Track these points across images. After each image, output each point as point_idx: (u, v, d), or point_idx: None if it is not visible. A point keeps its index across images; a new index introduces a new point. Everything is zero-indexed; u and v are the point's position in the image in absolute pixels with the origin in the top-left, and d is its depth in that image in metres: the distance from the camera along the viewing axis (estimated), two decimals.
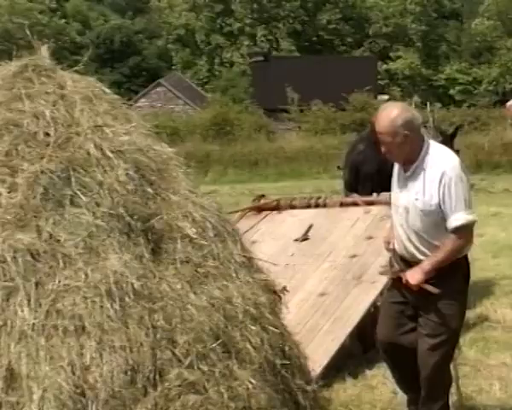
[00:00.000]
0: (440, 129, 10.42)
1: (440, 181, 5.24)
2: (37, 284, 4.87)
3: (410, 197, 5.39)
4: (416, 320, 5.51)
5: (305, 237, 8.21)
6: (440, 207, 5.23)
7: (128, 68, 53.59)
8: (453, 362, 6.21)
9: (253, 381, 5.15)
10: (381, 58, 52.12)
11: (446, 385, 5.62)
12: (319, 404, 5.74)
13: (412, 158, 5.38)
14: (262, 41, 55.51)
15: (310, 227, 8.29)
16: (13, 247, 4.91)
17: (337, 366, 6.55)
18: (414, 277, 5.29)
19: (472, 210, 5.28)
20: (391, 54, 54.86)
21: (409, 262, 5.45)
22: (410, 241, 5.39)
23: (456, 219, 5.21)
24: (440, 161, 5.33)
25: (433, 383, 5.48)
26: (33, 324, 4.74)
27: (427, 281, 5.27)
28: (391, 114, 5.38)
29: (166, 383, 4.83)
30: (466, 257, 5.51)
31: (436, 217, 5.27)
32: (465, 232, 5.29)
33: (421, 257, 5.36)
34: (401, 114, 5.35)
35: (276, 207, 8.91)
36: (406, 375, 5.67)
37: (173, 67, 55.80)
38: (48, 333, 4.75)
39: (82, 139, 5.37)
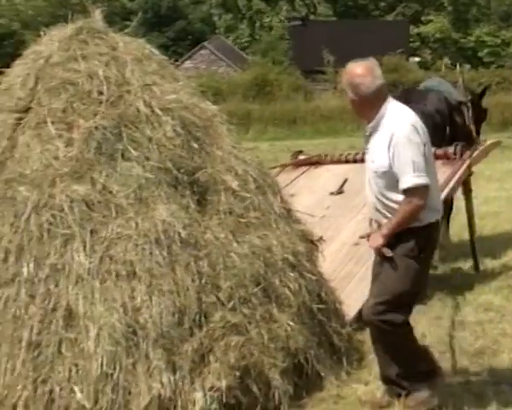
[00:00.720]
0: (469, 89, 10.28)
1: (390, 143, 4.76)
2: (91, 232, 4.93)
3: (368, 159, 5.01)
4: None
5: (340, 191, 8.19)
6: (392, 169, 4.76)
7: (174, 32, 53.39)
8: (450, 323, 6.20)
9: (291, 324, 5.18)
10: (412, 22, 51.44)
11: (400, 349, 4.93)
12: (353, 345, 5.75)
13: (369, 118, 4.93)
14: (300, 6, 55.02)
15: (345, 181, 8.26)
16: (70, 197, 4.97)
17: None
18: (374, 240, 4.90)
19: (422, 173, 4.71)
20: (422, 18, 54.13)
21: (380, 224, 4.98)
22: (374, 203, 4.96)
23: (404, 181, 4.72)
24: (392, 122, 4.82)
25: (382, 346, 4.97)
26: (89, 268, 4.81)
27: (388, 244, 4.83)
28: (346, 73, 4.94)
29: (211, 325, 4.88)
30: (428, 226, 4.87)
31: (390, 179, 4.79)
32: (414, 195, 4.73)
33: (384, 220, 4.91)
34: (352, 77, 4.88)
35: (314, 163, 8.91)
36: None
37: (216, 31, 55.53)
38: (102, 277, 4.82)
39: (132, 97, 5.38)
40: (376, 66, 4.94)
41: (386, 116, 4.86)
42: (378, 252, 4.91)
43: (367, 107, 4.91)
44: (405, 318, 4.91)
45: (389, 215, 4.87)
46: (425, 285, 5.19)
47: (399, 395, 4.91)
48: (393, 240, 4.82)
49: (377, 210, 4.95)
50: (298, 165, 8.94)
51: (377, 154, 4.86)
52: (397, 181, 4.76)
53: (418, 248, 4.84)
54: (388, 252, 4.82)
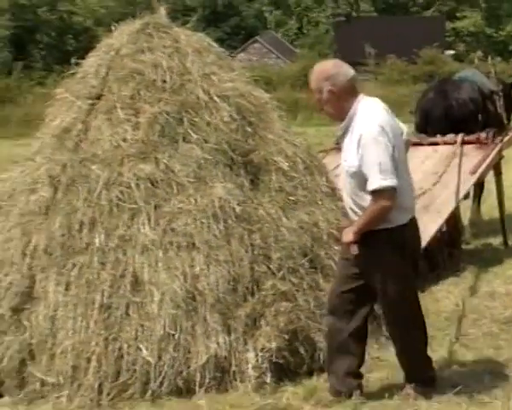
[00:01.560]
0: (501, 79, 10.10)
1: (358, 143, 4.31)
2: (155, 207, 4.95)
3: (342, 158, 4.56)
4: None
5: None
6: (361, 169, 4.32)
7: (229, 27, 53.36)
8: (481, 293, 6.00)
9: None
10: (448, 17, 50.75)
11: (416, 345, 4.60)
12: None
13: (342, 114, 4.45)
14: (344, 3, 54.57)
15: None
16: (136, 175, 5.00)
17: None
18: (345, 235, 4.47)
19: (389, 175, 4.24)
20: (457, 14, 53.36)
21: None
22: (348, 202, 4.55)
23: (371, 182, 4.27)
24: (361, 122, 4.36)
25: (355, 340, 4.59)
26: (153, 239, 4.84)
27: (357, 242, 4.38)
28: (316, 72, 4.51)
29: (262, 292, 4.88)
30: (399, 227, 4.40)
31: (361, 179, 4.34)
32: (381, 197, 4.27)
33: (355, 218, 4.48)
34: (326, 71, 4.47)
35: None
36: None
37: (268, 26, 55.37)
38: (165, 247, 4.84)
39: (193, 85, 5.39)
40: (343, 63, 4.57)
41: (357, 115, 4.40)
42: (347, 248, 4.47)
43: (343, 98, 4.42)
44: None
45: (361, 214, 4.43)
46: (411, 285, 4.57)
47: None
48: (367, 240, 4.36)
49: (351, 209, 4.53)
50: None
51: (348, 153, 4.41)
52: (366, 181, 4.32)
53: (391, 250, 4.37)
54: (355, 250, 4.39)
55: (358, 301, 4.54)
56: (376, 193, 4.29)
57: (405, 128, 4.70)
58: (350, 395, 4.47)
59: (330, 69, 4.48)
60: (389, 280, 4.45)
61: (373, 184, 4.27)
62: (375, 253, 4.39)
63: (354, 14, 52.53)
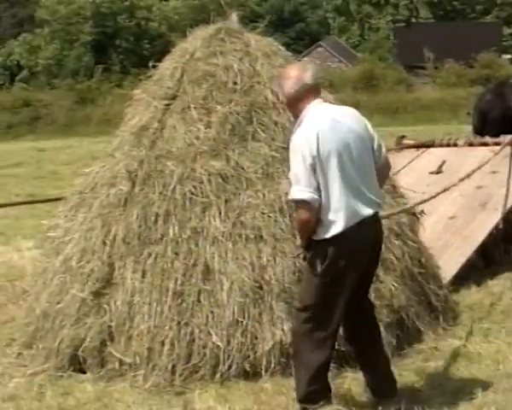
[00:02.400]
0: None
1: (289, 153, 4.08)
2: (226, 201, 4.96)
3: None
4: None
5: (439, 171, 7.98)
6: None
7: (294, 33, 53.24)
8: None
9: (395, 284, 5.10)
10: (506, 23, 49.65)
11: (304, 361, 4.09)
12: (448, 305, 5.62)
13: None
14: (403, 10, 53.87)
15: (443, 162, 8.05)
16: (208, 171, 5.02)
17: (464, 275, 6.38)
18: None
19: (304, 188, 3.88)
20: None
21: None
22: None
23: (289, 192, 4.06)
24: (296, 130, 4.08)
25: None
26: (223, 232, 4.85)
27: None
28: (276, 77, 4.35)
29: None
30: (325, 241, 3.95)
31: None
32: (297, 208, 4.00)
33: None
34: (277, 79, 4.27)
35: (416, 146, 8.72)
36: None
37: (331, 32, 55.08)
38: (234, 239, 4.85)
39: (262, 87, 5.37)
40: (305, 69, 4.16)
41: (303, 122, 4.07)
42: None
43: (293, 105, 4.12)
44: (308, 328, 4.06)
45: None
46: (339, 303, 4.04)
47: None
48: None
49: None
50: (402, 147, 8.77)
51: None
52: None
53: (316, 263, 3.99)
54: (300, 256, 4.24)
55: None
56: (293, 203, 4.11)
57: (376, 139, 4.13)
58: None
59: (282, 77, 4.19)
60: (305, 291, 4.13)
61: (290, 194, 4.06)
62: (307, 262, 4.11)
63: (413, 20, 51.79)
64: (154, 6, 48.63)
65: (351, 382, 4.59)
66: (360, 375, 4.58)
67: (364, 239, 4.04)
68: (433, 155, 8.37)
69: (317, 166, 3.91)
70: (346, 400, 4.34)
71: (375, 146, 4.14)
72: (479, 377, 4.61)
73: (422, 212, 6.00)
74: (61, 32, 46.03)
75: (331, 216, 3.95)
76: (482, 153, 8.05)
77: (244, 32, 5.71)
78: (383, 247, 5.12)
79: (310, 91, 4.09)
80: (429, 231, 6.27)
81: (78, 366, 4.82)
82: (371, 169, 4.10)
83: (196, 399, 4.41)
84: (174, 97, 5.35)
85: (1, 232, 9.85)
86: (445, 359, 4.88)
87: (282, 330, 4.63)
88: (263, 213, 4.92)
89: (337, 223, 3.95)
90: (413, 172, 8.00)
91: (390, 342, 4.88)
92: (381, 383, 4.29)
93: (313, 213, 3.93)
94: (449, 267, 6.14)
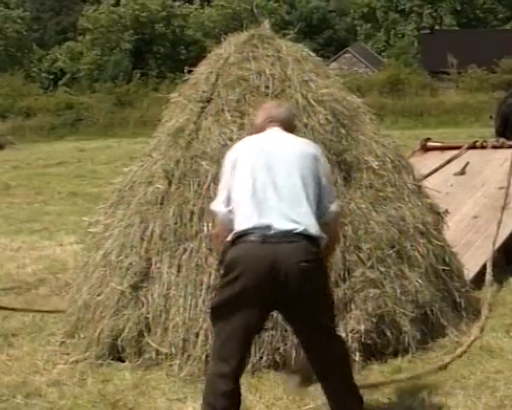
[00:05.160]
0: None
1: None
2: None
3: None
4: None
5: (462, 172, 7.91)
6: None
7: (323, 39, 53.05)
8: None
9: (419, 281, 5.05)
10: None
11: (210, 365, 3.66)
12: (470, 302, 5.55)
13: None
14: (427, 17, 53.42)
15: (466, 164, 7.97)
16: None
17: (485, 273, 6.29)
18: None
19: (219, 202, 3.65)
20: None
21: None
22: None
23: None
24: None
25: None
26: None
27: None
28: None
29: (353, 279, 4.82)
30: (233, 245, 3.51)
31: None
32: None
33: None
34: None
35: (441, 148, 8.65)
36: None
37: (358, 38, 54.85)
38: None
39: (292, 91, 5.35)
40: (279, 105, 4.07)
41: None
42: None
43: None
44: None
45: None
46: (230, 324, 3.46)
47: None
48: None
49: None
50: (426, 149, 8.69)
51: None
52: None
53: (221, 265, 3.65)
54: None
55: None
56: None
57: (326, 186, 3.66)
58: None
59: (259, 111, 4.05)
60: None
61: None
62: None
63: (437, 27, 51.36)
64: (190, 14, 48.85)
65: (377, 374, 4.56)
66: (386, 367, 4.57)
67: (264, 253, 3.39)
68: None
69: (230, 175, 3.64)
70: (372, 390, 4.31)
71: (324, 191, 3.63)
72: (500, 372, 4.54)
73: (446, 211, 5.95)
74: (102, 40, 46.46)
75: (236, 225, 3.53)
76: (504, 155, 7.97)
77: (276, 39, 5.69)
78: (408, 245, 5.14)
79: (274, 122, 3.84)
80: (453, 230, 6.21)
81: (117, 354, 4.84)
82: (303, 197, 3.52)
83: None
84: (209, 100, 5.35)
85: (45, 228, 9.95)
86: (467, 353, 4.82)
87: None
88: None
89: (236, 226, 3.52)
90: (437, 173, 7.93)
91: (414, 336, 4.85)
92: None
93: (222, 226, 3.66)
94: (471, 266, 6.07)
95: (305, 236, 3.42)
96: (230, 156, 3.73)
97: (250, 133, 3.93)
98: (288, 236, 3.40)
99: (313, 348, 3.57)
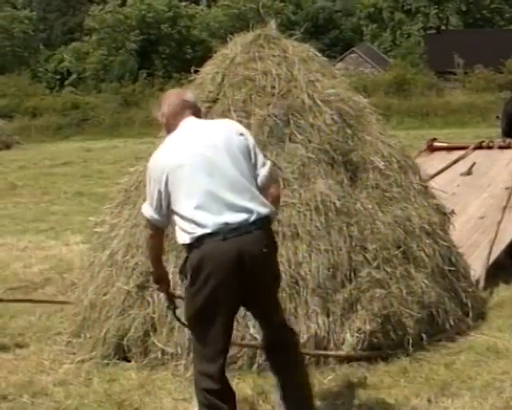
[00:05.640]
0: None
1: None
2: None
3: None
4: None
5: (469, 172, 7.89)
6: None
7: (329, 39, 52.98)
8: None
9: (426, 282, 5.05)
10: None
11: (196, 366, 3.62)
12: (477, 303, 5.54)
13: None
14: (434, 18, 53.32)
15: (473, 164, 7.95)
16: None
17: (492, 273, 6.28)
18: None
19: (148, 206, 3.64)
20: None
21: None
22: None
23: None
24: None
25: None
26: None
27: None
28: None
29: (359, 279, 4.82)
30: (193, 247, 3.46)
31: None
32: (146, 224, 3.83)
33: None
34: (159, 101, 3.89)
35: (447, 148, 8.62)
36: None
37: (364, 38, 54.79)
38: None
39: (299, 91, 5.35)
40: (185, 90, 4.04)
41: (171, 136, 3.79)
42: None
43: (168, 122, 3.81)
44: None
45: None
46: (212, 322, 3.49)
47: None
48: None
49: None
50: (432, 149, 8.67)
51: None
52: None
53: (185, 272, 3.56)
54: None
55: None
56: None
57: (259, 155, 3.67)
58: None
59: (163, 99, 3.88)
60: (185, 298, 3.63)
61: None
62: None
63: (443, 27, 51.27)
64: (196, 15, 48.88)
65: (382, 374, 4.55)
66: (392, 368, 4.56)
67: (228, 248, 3.42)
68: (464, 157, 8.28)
69: (163, 184, 3.56)
70: (378, 390, 4.31)
71: (256, 160, 3.65)
72: (507, 373, 4.53)
73: (453, 211, 5.94)
74: (108, 40, 46.53)
75: (187, 226, 3.49)
76: (511, 155, 7.96)
77: (282, 39, 5.69)
78: (415, 245, 5.13)
79: (187, 108, 3.78)
80: (459, 231, 6.20)
81: (122, 354, 4.85)
82: (243, 179, 3.54)
83: (234, 388, 4.40)
84: (215, 100, 5.35)
85: (51, 227, 9.97)
86: (474, 354, 4.81)
87: (317, 323, 4.61)
88: (299, 212, 4.90)
89: (194, 230, 3.46)
90: (444, 173, 7.91)
91: (420, 337, 4.85)
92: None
93: (154, 231, 3.68)
94: (478, 266, 6.06)
95: (260, 220, 3.50)
96: (157, 166, 3.63)
97: (166, 125, 3.80)
98: (245, 226, 3.45)
99: (270, 322, 3.67)
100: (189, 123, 3.73)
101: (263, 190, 3.61)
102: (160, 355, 4.73)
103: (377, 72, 40.63)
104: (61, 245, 8.70)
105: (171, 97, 3.83)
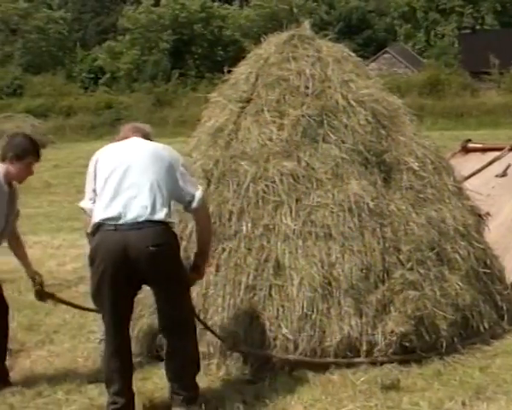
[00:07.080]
0: None
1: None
2: (296, 200, 4.95)
3: None
4: None
5: (504, 174, 7.79)
6: None
7: (362, 39, 52.70)
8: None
9: (460, 284, 5.00)
10: None
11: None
12: None
13: None
14: (468, 17, 52.76)
15: (508, 166, 7.84)
16: (280, 171, 5.01)
17: None
18: None
19: (87, 201, 4.17)
20: None
21: None
22: None
23: None
24: None
25: None
26: (294, 229, 4.83)
27: None
28: None
29: (392, 281, 4.79)
30: (93, 234, 4.00)
31: None
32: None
33: None
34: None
35: (482, 150, 8.52)
36: None
37: (397, 38, 54.42)
38: (304, 237, 4.83)
39: (332, 91, 5.34)
40: (136, 124, 4.58)
41: None
42: None
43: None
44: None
45: None
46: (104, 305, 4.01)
47: None
48: None
49: None
50: (467, 151, 8.57)
51: None
52: None
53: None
54: None
55: None
56: None
57: (187, 181, 4.13)
58: None
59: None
60: None
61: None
62: None
63: (478, 27, 50.69)
64: (228, 15, 48.98)
65: (415, 376, 4.52)
66: (425, 370, 4.52)
67: (117, 239, 3.87)
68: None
69: (93, 168, 4.12)
70: (411, 392, 4.28)
71: (183, 178, 4.10)
72: None
73: (488, 213, 5.87)
74: (141, 40, 46.84)
75: (96, 213, 4.01)
76: None
77: (316, 39, 5.68)
78: (449, 247, 5.08)
79: (137, 132, 4.35)
80: (494, 233, 6.13)
81: (155, 353, 4.88)
82: (155, 185, 3.97)
83: (266, 388, 4.41)
84: (249, 100, 5.36)
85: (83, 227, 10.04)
86: (509, 358, 4.75)
87: (350, 325, 4.60)
88: (332, 212, 4.88)
89: (95, 218, 4.00)
90: (479, 175, 7.82)
91: (454, 340, 4.80)
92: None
93: (90, 220, 4.08)
94: None
95: (153, 222, 3.89)
96: (93, 160, 4.17)
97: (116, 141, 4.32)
98: (137, 223, 3.87)
99: (161, 310, 4.12)
100: (132, 138, 4.25)
101: (195, 211, 4.15)
102: None
103: (411, 72, 40.34)
104: None
105: (129, 125, 4.45)
